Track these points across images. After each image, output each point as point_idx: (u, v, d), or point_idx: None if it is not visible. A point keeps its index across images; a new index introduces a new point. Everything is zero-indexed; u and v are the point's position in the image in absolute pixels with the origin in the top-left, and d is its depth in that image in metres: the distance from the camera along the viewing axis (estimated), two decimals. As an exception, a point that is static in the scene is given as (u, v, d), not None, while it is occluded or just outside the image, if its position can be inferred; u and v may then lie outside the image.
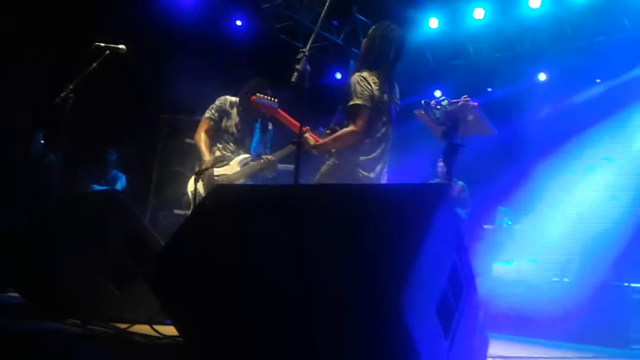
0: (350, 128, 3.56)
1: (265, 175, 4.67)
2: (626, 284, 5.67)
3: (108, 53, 4.50)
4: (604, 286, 5.64)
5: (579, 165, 6.68)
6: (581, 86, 7.73)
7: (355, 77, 3.62)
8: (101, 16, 5.90)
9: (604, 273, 5.81)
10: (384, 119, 3.67)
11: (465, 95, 3.36)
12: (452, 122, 3.28)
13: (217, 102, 4.66)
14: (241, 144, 4.65)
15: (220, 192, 2.53)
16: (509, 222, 6.46)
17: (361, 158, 3.61)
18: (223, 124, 4.61)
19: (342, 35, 8.50)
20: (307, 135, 3.65)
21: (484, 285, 5.84)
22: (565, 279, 5.73)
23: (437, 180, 7.36)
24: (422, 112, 3.55)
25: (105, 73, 4.55)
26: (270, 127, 4.82)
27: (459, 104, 3.30)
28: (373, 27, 3.82)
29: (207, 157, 4.48)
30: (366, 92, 3.57)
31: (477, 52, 8.40)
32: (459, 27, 8.13)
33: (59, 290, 2.86)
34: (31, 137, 6.07)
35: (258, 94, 4.20)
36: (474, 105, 3.29)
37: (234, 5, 8.24)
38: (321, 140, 3.69)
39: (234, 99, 4.69)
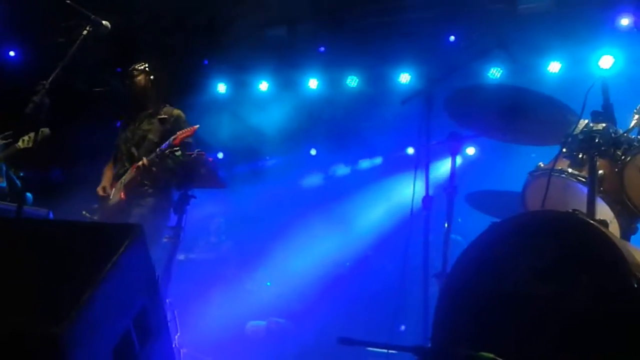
0: None
1: None
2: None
3: None
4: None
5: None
6: (344, 163, 8.61)
7: (179, 111, 4.19)
8: None
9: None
10: None
11: (198, 149, 3.54)
12: (185, 173, 3.40)
13: None
14: None
15: None
16: (269, 284, 6.74)
17: None
18: None
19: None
20: None
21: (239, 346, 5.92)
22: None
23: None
24: (157, 160, 3.64)
25: None
26: None
27: (192, 156, 3.45)
28: (146, 66, 4.09)
29: None
30: None
31: (262, 123, 8.77)
32: (244, 97, 8.56)
33: None
34: None
35: None
36: (207, 160, 3.46)
37: (15, 36, 7.75)
38: None
39: None
